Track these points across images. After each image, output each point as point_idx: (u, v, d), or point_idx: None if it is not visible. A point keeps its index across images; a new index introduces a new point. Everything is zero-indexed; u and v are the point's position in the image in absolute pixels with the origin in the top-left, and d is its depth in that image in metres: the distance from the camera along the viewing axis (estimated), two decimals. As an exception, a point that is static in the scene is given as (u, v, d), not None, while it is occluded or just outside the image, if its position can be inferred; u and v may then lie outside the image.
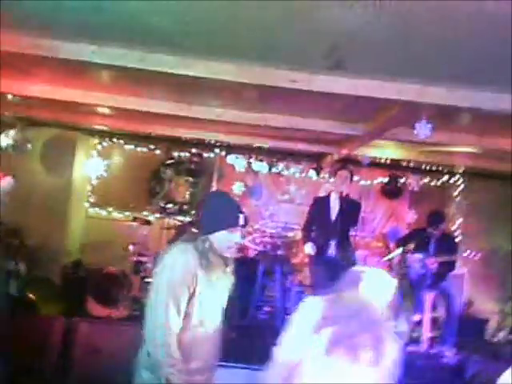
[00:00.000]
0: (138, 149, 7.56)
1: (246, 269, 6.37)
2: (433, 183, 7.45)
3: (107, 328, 4.88)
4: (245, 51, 3.09)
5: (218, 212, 2.23)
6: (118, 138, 7.49)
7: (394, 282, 1.97)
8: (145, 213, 7.40)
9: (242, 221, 2.20)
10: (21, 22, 2.93)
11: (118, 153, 7.56)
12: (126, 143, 7.53)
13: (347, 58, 2.84)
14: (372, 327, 0.91)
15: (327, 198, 5.24)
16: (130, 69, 3.51)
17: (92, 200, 7.48)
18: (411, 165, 7.19)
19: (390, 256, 6.05)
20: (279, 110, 4.86)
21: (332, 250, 4.98)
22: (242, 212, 2.22)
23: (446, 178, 7.47)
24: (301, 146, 6.65)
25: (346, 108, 4.21)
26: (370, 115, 4.24)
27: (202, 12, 2.54)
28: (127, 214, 7.37)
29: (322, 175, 7.22)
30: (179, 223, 6.08)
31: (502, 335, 6.91)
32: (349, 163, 6.49)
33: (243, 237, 7.30)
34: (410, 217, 7.27)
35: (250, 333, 5.70)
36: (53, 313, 5.25)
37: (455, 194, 7.49)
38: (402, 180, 7.34)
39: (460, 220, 7.38)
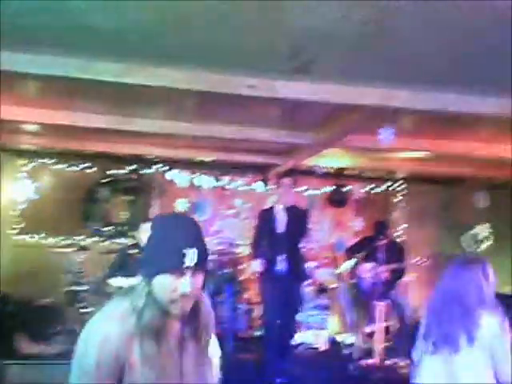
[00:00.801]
0: (70, 168, 7.02)
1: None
2: (376, 190, 7.45)
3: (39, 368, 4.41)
4: (196, 55, 2.82)
5: (159, 245, 1.47)
6: (47, 158, 6.92)
7: None
8: (80, 237, 6.85)
9: (190, 259, 1.40)
10: None
11: (48, 173, 6.98)
12: (56, 163, 6.97)
13: (311, 61, 2.63)
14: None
15: (272, 209, 4.98)
16: (57, 78, 3.17)
17: (19, 226, 6.83)
18: (354, 172, 7.15)
19: (344, 267, 5.91)
20: (223, 120, 4.60)
21: (281, 265, 4.72)
22: (191, 245, 1.41)
23: (388, 184, 7.49)
24: (246, 158, 6.42)
25: (294, 116, 4.03)
26: (318, 123, 4.08)
27: (150, 12, 2.25)
28: (59, 239, 6.80)
29: (268, 187, 7.01)
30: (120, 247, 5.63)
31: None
32: (297, 174, 6.35)
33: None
34: (357, 225, 7.20)
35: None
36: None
37: (398, 199, 7.54)
38: (347, 188, 7.27)
39: (403, 226, 7.41)
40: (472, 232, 6.79)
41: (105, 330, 1.42)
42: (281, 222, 4.80)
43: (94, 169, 7.03)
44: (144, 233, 5.54)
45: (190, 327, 1.52)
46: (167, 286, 1.41)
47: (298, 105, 3.75)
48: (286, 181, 4.86)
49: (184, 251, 1.40)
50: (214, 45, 2.72)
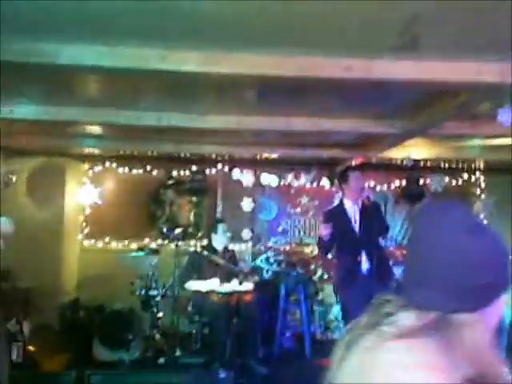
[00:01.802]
0: (133, 171, 6.94)
1: (265, 293, 5.79)
2: (454, 182, 6.99)
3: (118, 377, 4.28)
4: (284, 38, 2.55)
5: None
6: (110, 162, 6.86)
7: None
8: (146, 240, 6.76)
9: None
10: None
11: (112, 177, 6.93)
12: (119, 166, 6.90)
13: (418, 36, 2.31)
14: None
15: (341, 207, 4.58)
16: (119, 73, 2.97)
17: (86, 231, 6.81)
18: (430, 164, 6.70)
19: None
20: (295, 113, 4.31)
21: (364, 266, 4.36)
22: None
23: (467, 175, 7.01)
24: (312, 153, 6.10)
25: (380, 103, 3.69)
26: (406, 111, 3.72)
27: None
28: (126, 243, 6.73)
29: (335, 183, 6.68)
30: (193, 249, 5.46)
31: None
32: (367, 168, 6.00)
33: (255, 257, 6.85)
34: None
35: (280, 364, 5.12)
36: (57, 365, 4.59)
37: (478, 191, 7.04)
38: (422, 181, 6.83)
39: (483, 218, 6.91)
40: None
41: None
42: (355, 220, 4.44)
43: (158, 171, 6.91)
44: (219, 234, 5.38)
45: None
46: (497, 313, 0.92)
47: (382, 90, 3.43)
48: (356, 173, 4.51)
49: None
50: (304, 26, 2.45)
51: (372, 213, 4.41)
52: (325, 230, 4.22)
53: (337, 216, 4.48)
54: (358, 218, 4.45)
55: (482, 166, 6.85)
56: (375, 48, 2.56)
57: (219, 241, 5.33)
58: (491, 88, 2.73)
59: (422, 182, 6.81)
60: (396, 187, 6.83)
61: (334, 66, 2.75)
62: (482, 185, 7.05)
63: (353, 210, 4.46)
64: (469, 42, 2.46)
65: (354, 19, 2.31)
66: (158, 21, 2.43)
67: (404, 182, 6.76)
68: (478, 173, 7.02)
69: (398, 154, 5.54)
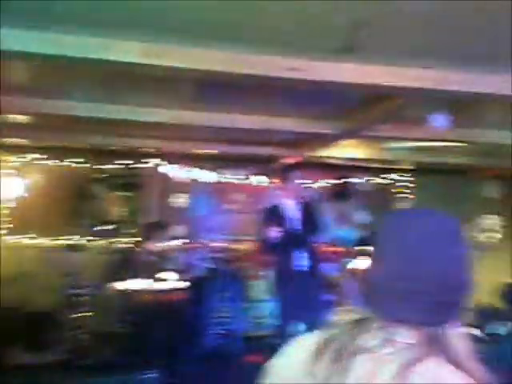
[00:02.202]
0: (62, 164, 6.60)
1: (197, 290, 5.73)
2: (382, 182, 7.28)
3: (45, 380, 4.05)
4: (233, 35, 2.52)
5: None
6: (37, 153, 6.48)
7: None
8: (74, 236, 6.46)
9: None
10: None
11: (39, 170, 6.54)
12: (46, 158, 6.53)
13: (359, 41, 2.36)
14: None
15: (281, 205, 4.58)
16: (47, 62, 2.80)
17: (10, 226, 6.38)
18: (360, 164, 6.93)
19: (358, 263, 5.69)
20: (228, 109, 4.27)
21: (301, 262, 4.42)
22: None
23: (394, 175, 7.32)
24: (247, 150, 6.12)
25: (318, 104, 3.75)
26: (343, 111, 3.81)
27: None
28: (53, 239, 6.39)
29: (271, 181, 6.73)
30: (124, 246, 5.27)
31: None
32: (302, 166, 6.09)
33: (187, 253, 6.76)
34: (363, 218, 7.00)
35: (210, 362, 5.09)
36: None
37: (404, 191, 7.39)
38: (352, 180, 7.05)
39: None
40: (481, 222, 6.67)
41: None
42: (293, 218, 4.50)
43: (88, 164, 6.62)
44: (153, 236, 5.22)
45: None
46: None
47: (323, 91, 3.49)
48: (297, 173, 4.57)
49: None
50: (252, 24, 2.43)
51: (311, 211, 4.48)
52: (274, 233, 4.21)
53: (276, 213, 4.49)
54: (296, 215, 4.49)
55: (410, 167, 7.19)
56: (319, 50, 2.59)
57: (151, 243, 5.18)
58: (427, 94, 2.85)
59: (351, 181, 7.03)
60: (327, 186, 6.99)
61: (278, 65, 2.75)
62: (408, 185, 7.40)
63: (292, 207, 4.49)
64: (407, 48, 2.55)
65: (301, 20, 2.31)
66: (101, 9, 2.31)
67: (335, 181, 6.94)
68: (403, 173, 7.35)
69: (330, 153, 5.68)
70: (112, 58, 2.67)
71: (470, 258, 0.90)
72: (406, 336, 0.84)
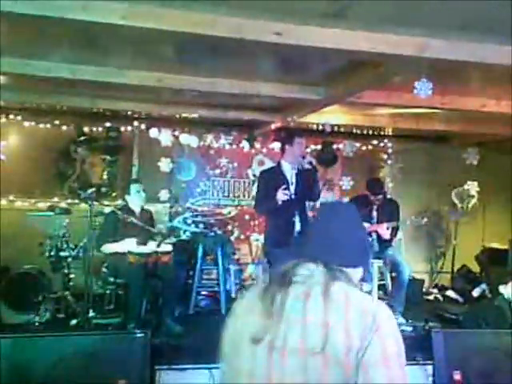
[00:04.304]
0: (41, 125, 6.49)
1: (182, 253, 5.81)
2: (364, 148, 7.33)
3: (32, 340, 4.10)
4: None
5: None
6: (15, 114, 6.36)
7: None
8: (55, 199, 6.44)
9: None
10: None
11: (18, 131, 6.44)
12: (25, 119, 6.42)
13: (344, 6, 2.34)
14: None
15: (279, 168, 4.49)
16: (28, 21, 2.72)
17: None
18: (342, 130, 6.97)
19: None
20: (212, 73, 4.22)
21: (297, 228, 4.42)
22: None
23: (376, 141, 7.38)
24: (232, 115, 6.09)
25: (302, 69, 3.74)
26: (328, 77, 3.81)
27: None
28: (33, 202, 6.37)
29: (255, 146, 6.75)
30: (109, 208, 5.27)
31: (435, 292, 7.11)
32: (286, 132, 6.09)
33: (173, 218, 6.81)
34: (345, 184, 7.10)
35: (196, 322, 5.21)
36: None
37: (385, 157, 7.47)
38: (336, 146, 7.11)
39: (391, 184, 7.38)
40: (463, 187, 6.82)
41: None
42: (291, 182, 4.46)
43: (69, 126, 6.53)
44: (133, 195, 5.22)
45: None
46: None
47: (308, 57, 3.48)
48: (301, 140, 4.47)
49: None
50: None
51: (308, 177, 4.44)
52: (284, 195, 4.18)
53: (274, 176, 4.47)
54: (294, 180, 4.46)
55: (390, 133, 7.25)
56: (305, 14, 2.57)
57: (134, 202, 5.18)
58: (409, 60, 2.87)
59: (335, 147, 7.08)
60: (312, 151, 7.02)
61: (264, 29, 2.72)
62: (390, 151, 7.49)
63: (290, 172, 4.46)
64: (390, 14, 2.55)
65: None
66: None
67: (319, 147, 6.99)
68: (386, 140, 7.42)
69: (315, 119, 5.69)
70: (92, 19, 2.62)
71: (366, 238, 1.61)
72: (322, 271, 1.32)
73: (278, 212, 4.25)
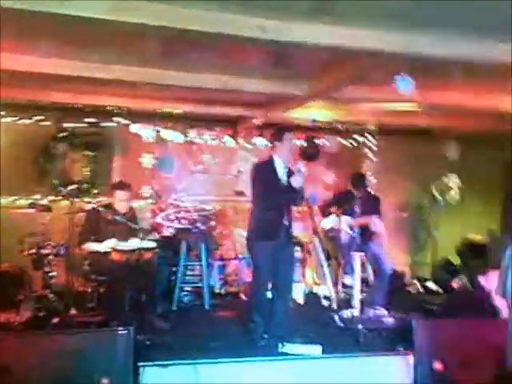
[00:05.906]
0: (20, 121, 6.38)
1: (166, 250, 5.77)
2: (347, 143, 7.38)
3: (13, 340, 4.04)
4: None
5: None
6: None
7: None
8: (36, 196, 6.34)
9: None
10: None
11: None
12: (4, 115, 6.30)
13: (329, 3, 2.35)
14: None
15: (271, 162, 4.40)
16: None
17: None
18: (326, 125, 7.00)
19: (325, 222, 5.80)
20: (201, 68, 4.21)
21: (285, 223, 4.41)
22: None
23: (359, 137, 7.43)
24: (215, 110, 6.07)
25: (285, 64, 3.74)
26: (311, 73, 3.81)
27: None
28: (14, 199, 6.27)
29: (238, 142, 6.73)
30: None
31: (416, 284, 7.20)
32: (269, 127, 6.10)
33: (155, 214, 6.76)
34: (329, 178, 7.13)
35: (180, 318, 5.19)
36: None
37: (368, 152, 7.53)
38: (319, 141, 7.12)
39: (373, 179, 7.44)
40: (444, 180, 6.91)
41: None
42: (282, 178, 4.44)
43: (49, 122, 6.43)
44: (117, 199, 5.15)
45: None
46: None
47: (292, 52, 3.48)
48: (290, 135, 4.49)
49: None
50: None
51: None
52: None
53: (266, 169, 4.42)
54: (285, 178, 4.45)
55: (373, 128, 7.31)
56: (290, 10, 2.57)
57: (120, 205, 5.11)
58: (391, 56, 2.89)
59: (318, 142, 7.10)
60: (296, 147, 7.02)
61: (248, 25, 2.71)
62: (373, 147, 7.54)
63: (282, 169, 4.44)
64: (374, 11, 2.56)
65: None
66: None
67: (303, 143, 6.99)
68: (369, 135, 7.48)
69: (298, 114, 5.70)
70: (77, 13, 2.58)
71: None
72: None
73: (266, 206, 4.26)
